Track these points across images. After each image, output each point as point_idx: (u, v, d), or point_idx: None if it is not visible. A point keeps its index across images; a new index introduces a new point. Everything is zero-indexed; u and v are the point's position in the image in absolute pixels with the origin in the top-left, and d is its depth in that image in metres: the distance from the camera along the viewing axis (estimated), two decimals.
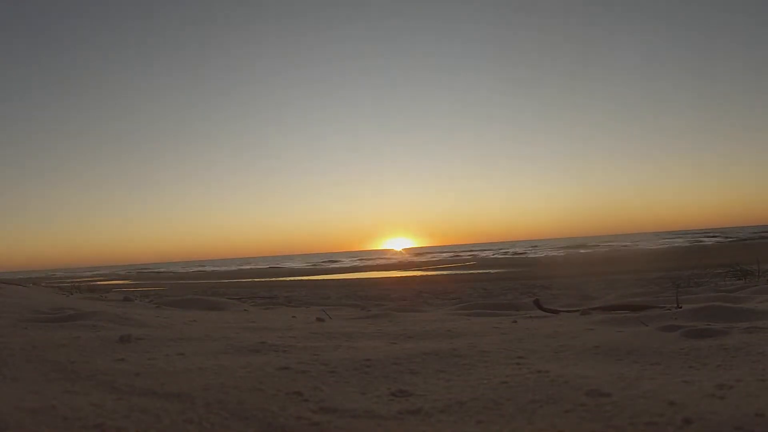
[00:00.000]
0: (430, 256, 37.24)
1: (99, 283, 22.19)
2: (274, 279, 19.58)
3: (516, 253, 34.88)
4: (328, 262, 39.82)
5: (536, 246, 47.67)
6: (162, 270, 43.85)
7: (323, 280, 17.31)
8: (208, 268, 40.09)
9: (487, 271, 18.28)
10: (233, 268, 38.37)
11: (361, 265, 27.51)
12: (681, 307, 2.75)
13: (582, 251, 30.12)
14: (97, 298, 5.42)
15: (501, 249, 45.69)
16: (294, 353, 1.69)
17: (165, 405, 1.06)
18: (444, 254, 41.39)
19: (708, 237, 41.22)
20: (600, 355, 1.61)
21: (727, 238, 36.56)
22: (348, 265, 28.57)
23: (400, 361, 1.53)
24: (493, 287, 9.80)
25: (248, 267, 38.57)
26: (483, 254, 37.57)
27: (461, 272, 17.83)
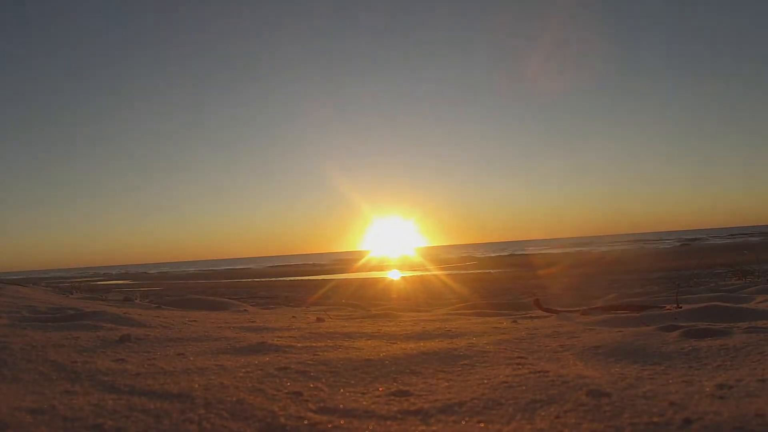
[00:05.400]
0: (431, 256, 37.27)
1: (99, 283, 22.20)
2: (273, 279, 19.58)
3: (516, 253, 34.88)
4: (328, 262, 39.82)
5: (536, 246, 47.68)
6: (161, 270, 43.84)
7: (323, 280, 17.30)
8: (208, 269, 40.07)
9: (488, 271, 18.29)
10: (237, 267, 38.38)
11: (361, 265, 27.53)
12: (681, 307, 2.75)
13: (582, 251, 30.12)
14: (97, 298, 5.43)
15: (501, 249, 45.71)
16: (294, 353, 1.69)
17: (165, 405, 1.06)
18: (445, 254, 41.40)
19: (708, 237, 41.22)
20: (600, 355, 1.61)
21: (726, 238, 36.53)
22: (347, 265, 28.59)
23: (400, 361, 1.53)
24: (493, 287, 9.81)
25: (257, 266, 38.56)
26: (483, 254, 37.57)
27: (461, 272, 17.82)
